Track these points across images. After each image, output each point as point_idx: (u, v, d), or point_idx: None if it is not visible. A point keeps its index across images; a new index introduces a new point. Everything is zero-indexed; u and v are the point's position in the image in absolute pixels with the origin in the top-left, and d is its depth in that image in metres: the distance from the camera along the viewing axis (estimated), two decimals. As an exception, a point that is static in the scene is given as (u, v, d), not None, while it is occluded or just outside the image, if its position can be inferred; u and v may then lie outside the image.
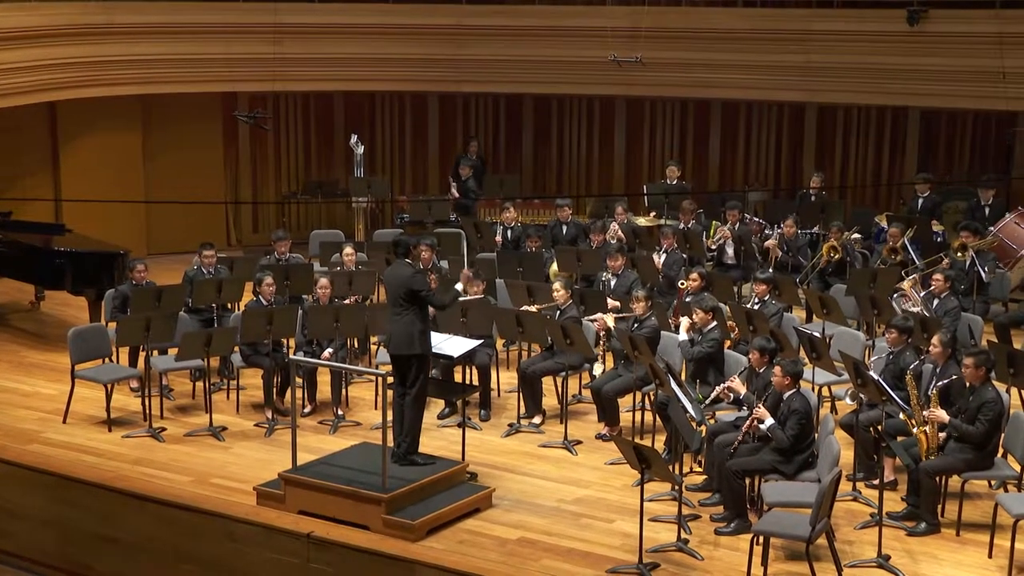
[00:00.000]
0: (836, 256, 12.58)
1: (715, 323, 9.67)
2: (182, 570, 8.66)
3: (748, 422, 8.38)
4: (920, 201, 13.87)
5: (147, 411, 10.22)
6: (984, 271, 11.96)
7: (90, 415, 10.50)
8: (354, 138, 15.38)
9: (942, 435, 8.23)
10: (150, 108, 15.93)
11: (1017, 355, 9.18)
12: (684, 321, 9.87)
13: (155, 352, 10.78)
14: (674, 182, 14.92)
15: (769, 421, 8.24)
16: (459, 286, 9.22)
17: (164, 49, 15.21)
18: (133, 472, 9.30)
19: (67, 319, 12.88)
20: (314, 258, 13.66)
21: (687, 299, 10.75)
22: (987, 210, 13.55)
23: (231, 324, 10.84)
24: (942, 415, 8.16)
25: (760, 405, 8.34)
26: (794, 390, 8.29)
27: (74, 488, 9.05)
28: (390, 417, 8.62)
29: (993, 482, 8.65)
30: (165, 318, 10.56)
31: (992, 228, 13.04)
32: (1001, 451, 8.39)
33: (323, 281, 10.93)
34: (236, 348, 10.56)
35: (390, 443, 8.57)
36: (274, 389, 10.42)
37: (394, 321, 8.71)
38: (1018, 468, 8.29)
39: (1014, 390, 9.66)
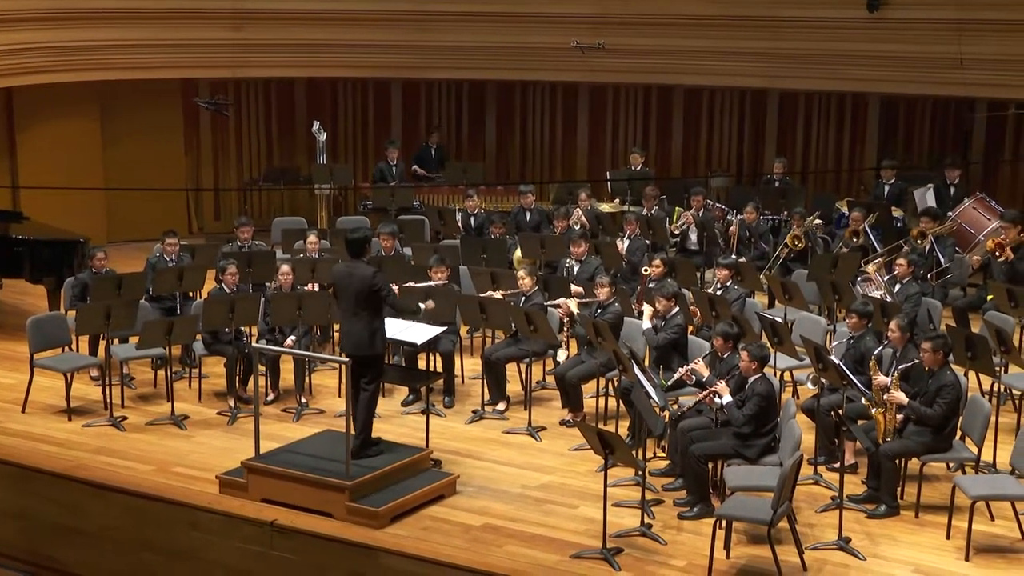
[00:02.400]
0: (799, 246, 12.68)
1: (678, 309, 9.71)
2: (145, 559, 8.61)
3: (705, 393, 8.45)
4: (886, 188, 13.99)
5: (108, 400, 10.14)
6: (943, 256, 12.09)
7: (50, 404, 10.40)
8: (316, 125, 15.30)
9: (899, 417, 8.32)
10: (109, 94, 15.76)
11: (975, 339, 9.28)
12: (647, 309, 9.91)
13: (116, 340, 10.70)
14: (638, 168, 14.96)
15: (727, 398, 8.31)
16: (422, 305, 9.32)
17: (123, 35, 15.05)
18: (94, 462, 9.22)
19: (26, 308, 12.72)
20: (276, 245, 13.58)
21: (650, 285, 10.79)
22: (952, 190, 13.73)
23: (193, 312, 10.77)
24: (901, 397, 8.25)
25: (720, 382, 8.40)
26: (759, 375, 8.35)
27: (34, 478, 8.97)
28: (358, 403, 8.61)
29: (951, 464, 8.76)
30: (126, 306, 10.47)
31: (951, 213, 13.19)
32: (959, 434, 8.49)
33: (285, 268, 10.88)
34: (198, 336, 10.50)
35: (353, 431, 8.55)
36: (237, 377, 10.37)
37: (351, 321, 8.55)
38: (975, 450, 8.40)
39: (972, 373, 9.79)
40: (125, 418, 10.09)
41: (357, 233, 8.82)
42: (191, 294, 11.67)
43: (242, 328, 10.48)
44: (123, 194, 15.15)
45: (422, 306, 9.23)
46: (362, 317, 8.51)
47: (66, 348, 10.77)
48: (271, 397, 10.46)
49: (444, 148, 16.64)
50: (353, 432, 8.52)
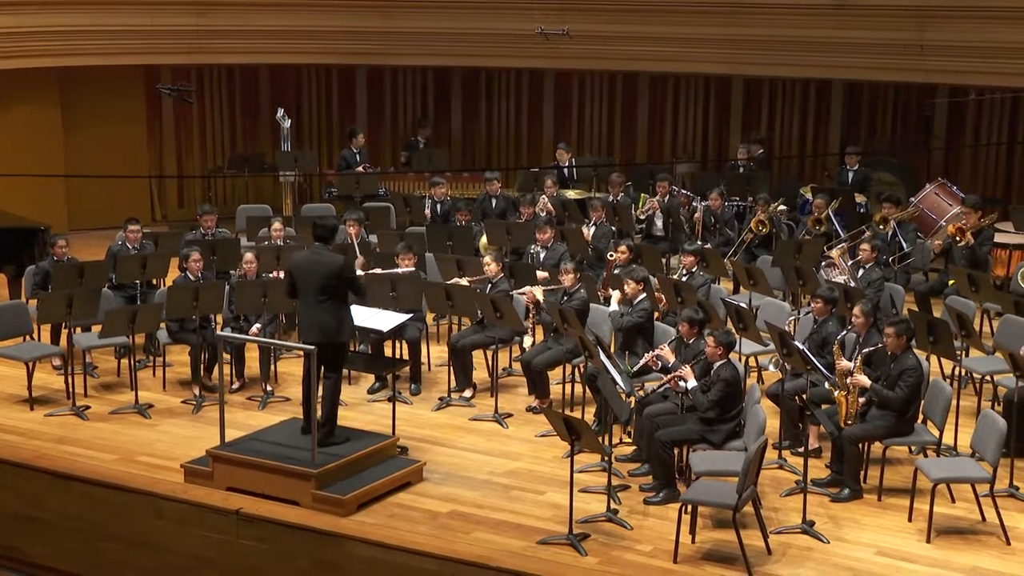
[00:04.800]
0: (764, 230, 12.74)
1: (645, 294, 9.74)
2: (108, 549, 8.55)
3: (669, 377, 8.48)
4: (850, 174, 14.09)
5: (70, 389, 10.06)
6: (905, 242, 12.19)
7: (11, 394, 10.30)
8: (280, 112, 15.21)
9: (862, 401, 8.39)
10: (70, 81, 15.60)
11: (937, 323, 9.38)
12: (615, 294, 9.93)
13: (78, 329, 10.60)
14: (564, 164, 14.95)
15: (692, 383, 8.35)
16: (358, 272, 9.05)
17: (83, 20, 14.89)
18: (56, 451, 9.14)
19: (-14, 297, 12.61)
20: (241, 233, 13.51)
21: (616, 271, 10.81)
22: (850, 175, 13.93)
23: (156, 300, 10.69)
24: (864, 380, 8.32)
25: (686, 366, 8.44)
26: (725, 360, 8.39)
27: (-4, 469, 8.89)
28: (321, 392, 8.57)
29: (913, 448, 8.84)
30: (88, 294, 10.38)
31: (913, 199, 13.31)
32: (921, 417, 8.57)
33: (248, 256, 10.82)
34: (162, 324, 10.43)
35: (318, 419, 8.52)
36: (201, 365, 10.31)
37: (316, 309, 8.41)
38: (937, 434, 8.49)
39: (934, 357, 9.88)
40: (88, 407, 10.01)
41: (326, 220, 8.79)
42: (154, 282, 11.58)
43: (207, 316, 10.40)
44: (85, 181, 15.01)
45: (359, 271, 9.02)
46: (328, 305, 8.43)
47: (27, 337, 10.66)
48: (236, 385, 10.40)
49: (431, 142, 16.43)
50: (319, 420, 8.48)
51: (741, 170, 14.62)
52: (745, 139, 15.43)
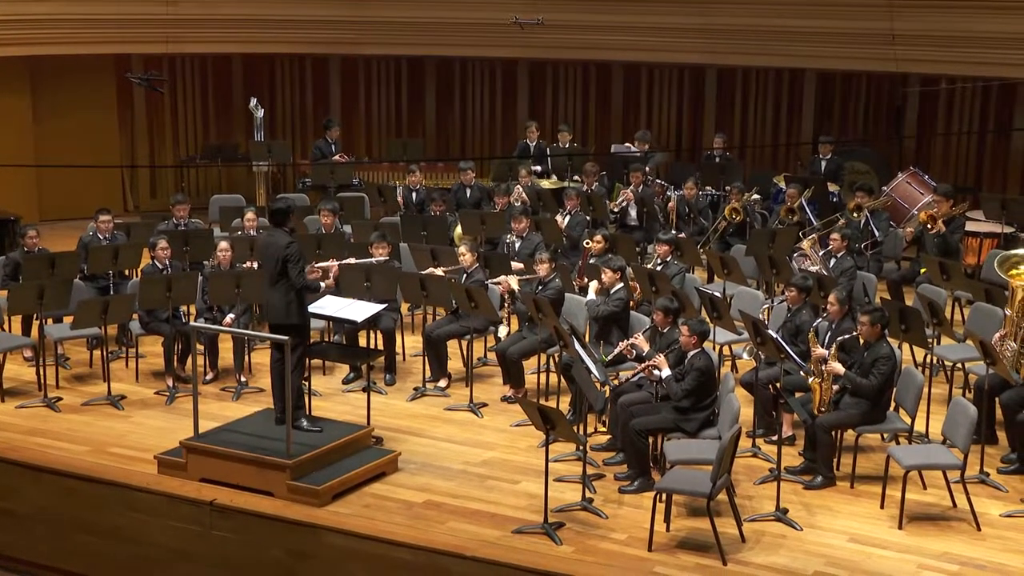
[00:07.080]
0: (738, 218, 12.78)
1: (622, 283, 9.75)
2: (81, 542, 8.51)
3: (643, 366, 8.50)
4: (823, 164, 14.15)
5: (42, 381, 9.99)
6: (878, 230, 12.26)
7: (-18, 386, 10.23)
8: (254, 101, 15.13)
9: (835, 388, 8.44)
10: (40, 70, 15.47)
11: (909, 311, 9.44)
12: (593, 284, 9.94)
13: (49, 320, 10.53)
14: (566, 145, 14.93)
15: (666, 372, 8.37)
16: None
17: (52, 9, 14.76)
18: (28, 443, 9.09)
19: (-44, 288, 12.48)
20: (214, 223, 13.44)
21: (591, 261, 10.82)
22: (823, 164, 14.03)
23: (129, 291, 10.63)
24: (838, 368, 8.37)
25: (660, 355, 8.46)
26: (699, 349, 8.42)
27: (-34, 461, 8.82)
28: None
29: (885, 435, 8.91)
30: (59, 285, 10.31)
31: (885, 188, 13.38)
32: (893, 405, 8.63)
33: (223, 244, 10.76)
34: (135, 315, 10.36)
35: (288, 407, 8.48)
36: (175, 356, 10.25)
37: (270, 290, 8.61)
38: (909, 421, 8.56)
39: (906, 345, 9.95)
40: (60, 399, 9.94)
41: (279, 203, 8.86)
42: (127, 273, 11.51)
43: (179, 307, 10.36)
44: (55, 172, 14.89)
45: (322, 284, 9.13)
46: (280, 286, 8.53)
47: (-2, 329, 10.59)
48: (210, 376, 10.36)
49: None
50: (289, 409, 8.42)
51: (716, 160, 14.64)
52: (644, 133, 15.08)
